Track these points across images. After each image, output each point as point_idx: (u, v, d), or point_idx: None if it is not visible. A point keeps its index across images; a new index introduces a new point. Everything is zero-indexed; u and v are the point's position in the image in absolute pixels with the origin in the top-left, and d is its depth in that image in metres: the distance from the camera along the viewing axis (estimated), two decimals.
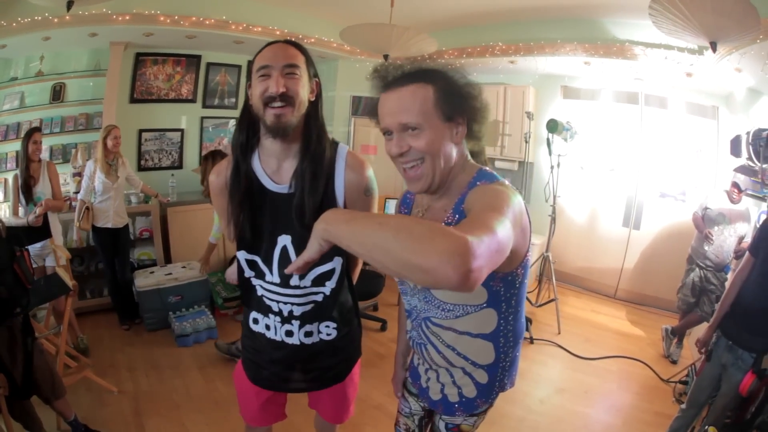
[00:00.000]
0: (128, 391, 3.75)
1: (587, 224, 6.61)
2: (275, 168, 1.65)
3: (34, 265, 3.46)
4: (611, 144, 6.26)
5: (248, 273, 1.75)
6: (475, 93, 1.41)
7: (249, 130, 1.65)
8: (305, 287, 1.70)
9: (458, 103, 1.37)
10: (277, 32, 5.86)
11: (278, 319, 1.76)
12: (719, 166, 5.45)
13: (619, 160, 6.22)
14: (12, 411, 2.63)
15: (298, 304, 1.72)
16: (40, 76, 5.45)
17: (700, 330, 4.04)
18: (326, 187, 1.62)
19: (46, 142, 4.92)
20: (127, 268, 4.92)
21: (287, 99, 1.51)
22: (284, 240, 1.65)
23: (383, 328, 5.06)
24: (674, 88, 5.70)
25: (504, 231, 1.02)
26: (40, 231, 4.10)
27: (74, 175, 5.43)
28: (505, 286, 1.42)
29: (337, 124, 7.40)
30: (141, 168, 6.08)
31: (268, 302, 1.75)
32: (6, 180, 5.02)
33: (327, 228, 1.07)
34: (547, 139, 5.55)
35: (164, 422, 3.39)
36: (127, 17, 4.89)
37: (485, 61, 6.29)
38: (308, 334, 1.78)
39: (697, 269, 4.55)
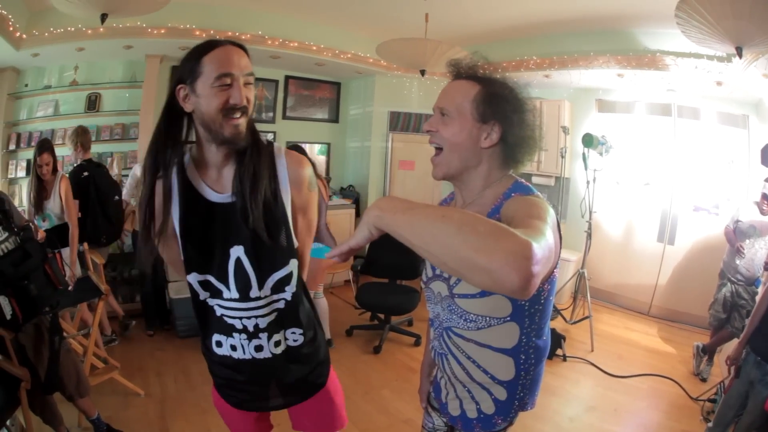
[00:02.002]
0: (155, 395, 3.80)
1: (622, 240, 6.52)
2: (216, 178, 1.56)
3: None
4: (646, 158, 6.19)
5: (203, 295, 1.61)
6: (518, 103, 1.42)
7: (173, 141, 1.54)
8: (266, 296, 1.61)
9: (495, 107, 1.38)
10: (313, 47, 5.98)
11: (244, 336, 1.64)
12: (751, 177, 5.36)
13: (653, 174, 6.14)
14: (32, 405, 2.68)
15: (263, 316, 1.62)
16: (74, 86, 5.63)
17: (731, 347, 3.95)
18: (271, 187, 1.56)
19: None
20: (161, 274, 4.96)
21: (245, 110, 1.48)
22: (237, 251, 1.55)
23: (417, 343, 5.04)
24: (705, 98, 5.65)
25: (551, 238, 1.00)
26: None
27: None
28: (530, 301, 1.38)
29: (375, 139, 7.44)
30: None
31: (230, 321, 1.63)
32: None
33: (381, 215, 1.03)
34: (583, 154, 5.50)
35: (189, 426, 3.42)
36: (162, 31, 5.03)
37: (520, 75, 6.19)
38: (277, 343, 1.67)
39: (729, 284, 4.45)
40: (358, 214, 7.33)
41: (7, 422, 2.57)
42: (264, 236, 1.52)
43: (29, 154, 5.24)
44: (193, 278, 1.58)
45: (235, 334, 1.64)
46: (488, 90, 1.40)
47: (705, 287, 4.99)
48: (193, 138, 1.58)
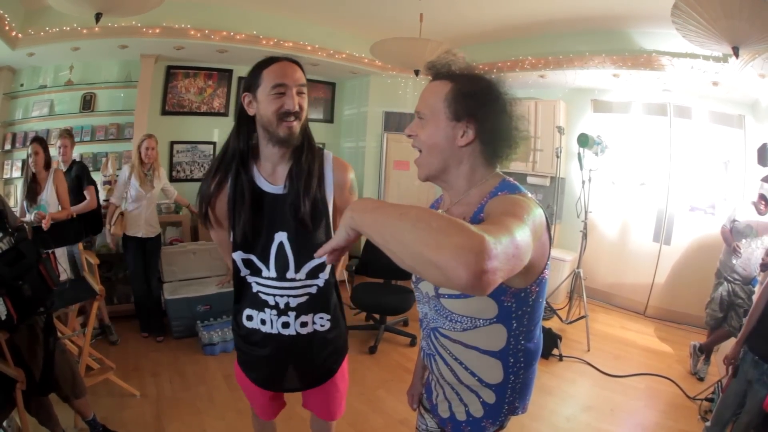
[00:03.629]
0: (151, 396, 3.79)
1: (618, 240, 6.52)
2: (270, 171, 1.81)
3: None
4: (641, 157, 6.20)
5: (244, 272, 1.85)
6: (491, 96, 1.39)
7: (248, 139, 1.81)
8: (300, 280, 1.83)
9: (468, 105, 1.36)
10: (308, 47, 5.97)
11: (274, 312, 1.85)
12: (747, 177, 5.38)
13: (649, 174, 6.15)
14: (28, 406, 2.66)
15: (294, 296, 1.84)
16: (69, 85, 5.62)
17: (728, 346, 3.95)
18: (318, 186, 1.81)
19: (76, 150, 4.98)
20: (154, 278, 4.93)
21: (298, 115, 1.72)
22: (281, 236, 1.79)
23: (412, 344, 5.03)
24: (701, 98, 5.66)
25: (523, 236, 0.97)
26: (66, 235, 4.18)
27: (104, 183, 5.52)
28: (517, 303, 1.37)
29: (370, 139, 7.44)
30: (173, 179, 6.17)
31: (264, 297, 1.85)
32: None
33: (353, 216, 1.06)
34: (578, 154, 5.51)
35: (185, 427, 3.41)
36: (157, 30, 5.01)
37: (515, 76, 6.29)
38: (304, 324, 1.88)
39: (725, 283, 4.45)
40: None
41: (4, 423, 2.56)
42: (309, 226, 1.76)
43: (24, 154, 5.22)
44: (238, 255, 1.81)
45: (266, 309, 1.86)
46: (459, 88, 1.38)
47: (701, 287, 4.99)
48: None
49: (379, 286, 5.19)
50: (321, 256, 1.20)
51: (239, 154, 1.79)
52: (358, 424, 3.57)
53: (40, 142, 4.18)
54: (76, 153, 4.84)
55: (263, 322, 1.88)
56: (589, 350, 4.98)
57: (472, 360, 1.45)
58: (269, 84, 1.68)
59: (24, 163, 4.50)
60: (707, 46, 3.33)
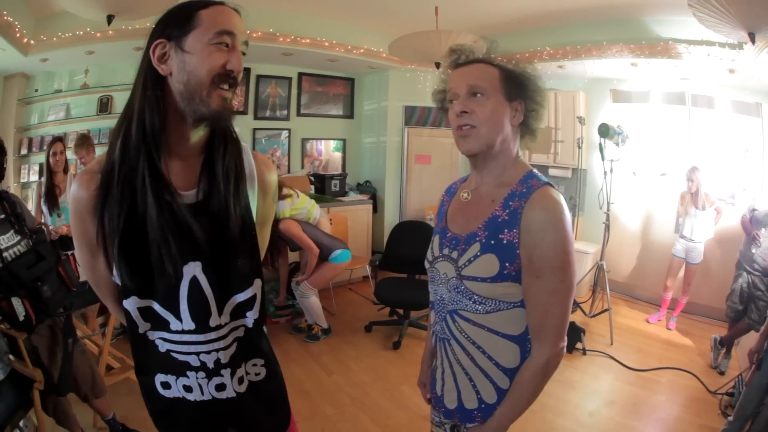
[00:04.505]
0: None
1: (640, 231, 6.44)
2: (179, 171, 1.23)
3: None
4: (661, 147, 6.13)
5: (143, 327, 1.25)
6: (534, 81, 1.49)
7: (162, 116, 1.18)
8: (226, 324, 1.30)
9: (519, 87, 1.45)
10: (326, 43, 5.98)
11: (202, 374, 1.30)
12: (766, 166, 5.31)
13: (670, 164, 6.07)
14: (45, 406, 2.69)
15: (224, 348, 1.30)
16: (85, 89, 5.67)
17: (749, 339, 3.88)
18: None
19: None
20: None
21: (236, 83, 1.21)
22: (192, 269, 1.22)
23: None
24: (718, 86, 5.59)
25: (570, 307, 1.39)
26: None
27: None
28: None
29: (390, 134, 7.40)
30: None
31: (182, 357, 1.28)
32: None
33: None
34: (600, 145, 5.45)
35: None
36: None
37: (534, 67, 6.21)
38: (240, 380, 1.36)
39: (745, 274, 4.39)
40: (375, 210, 7.34)
41: (21, 423, 2.58)
42: (238, 248, 1.26)
43: (41, 158, 5.28)
44: (131, 304, 1.21)
45: (189, 373, 1.30)
46: (508, 70, 1.46)
47: (722, 279, 4.93)
48: None
49: (403, 281, 5.18)
50: None
51: (151, 138, 1.15)
52: (381, 420, 3.57)
53: (63, 142, 4.24)
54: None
55: (188, 389, 1.31)
56: (612, 344, 4.93)
57: (490, 344, 1.45)
58: (212, 29, 1.14)
59: (41, 166, 4.52)
60: (724, 32, 3.31)
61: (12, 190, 5.20)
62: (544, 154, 6.87)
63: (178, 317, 1.23)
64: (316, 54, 6.12)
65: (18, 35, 4.51)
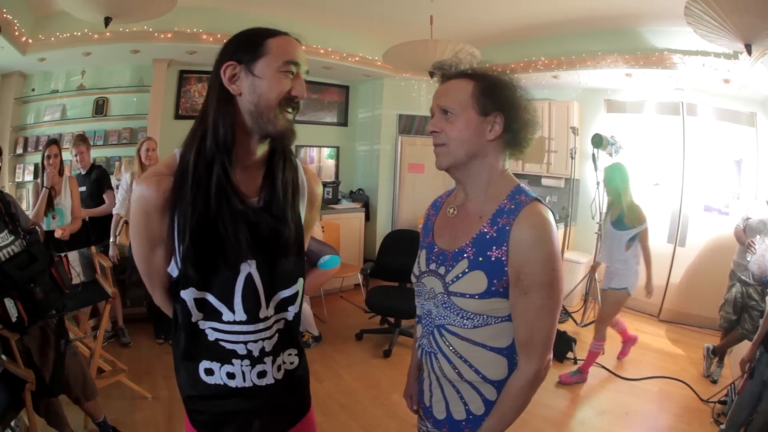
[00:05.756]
0: (163, 398, 3.79)
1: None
2: (242, 178, 1.37)
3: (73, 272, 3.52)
4: (655, 158, 6.15)
5: (196, 316, 1.37)
6: (513, 90, 1.45)
7: (231, 130, 1.32)
8: (272, 316, 1.43)
9: (495, 99, 1.41)
10: (321, 51, 6.01)
11: (247, 362, 1.41)
12: (760, 175, 5.34)
13: (662, 174, 6.10)
14: (37, 407, 2.68)
15: (269, 338, 1.43)
16: (81, 90, 5.67)
17: (742, 349, 3.90)
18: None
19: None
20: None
21: (299, 107, 1.38)
22: (248, 267, 1.36)
23: None
24: (713, 96, 5.63)
25: (557, 321, 1.41)
26: (79, 239, 4.22)
27: (117, 187, 5.53)
28: None
29: (384, 142, 7.41)
30: None
31: (230, 346, 1.40)
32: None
33: None
34: (593, 155, 5.49)
35: None
36: (169, 35, 5.04)
37: (529, 77, 6.30)
38: (278, 368, 1.49)
39: (739, 285, 4.41)
40: (367, 218, 7.34)
41: (12, 423, 2.57)
42: (290, 250, 1.41)
43: (36, 158, 5.28)
44: (189, 295, 1.33)
45: (235, 361, 1.41)
46: (483, 83, 1.42)
47: (716, 289, 4.93)
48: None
49: (395, 290, 5.18)
50: None
51: (224, 149, 1.30)
52: (371, 428, 3.57)
53: (58, 144, 4.21)
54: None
55: (231, 376, 1.42)
56: (603, 353, 4.93)
57: (477, 357, 1.44)
58: (281, 58, 1.29)
59: (37, 166, 4.52)
60: (720, 42, 3.32)
61: (7, 190, 5.20)
62: (537, 164, 6.91)
63: (231, 309, 1.36)
64: (312, 61, 5.97)
65: (17, 33, 4.51)
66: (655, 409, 3.96)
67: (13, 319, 2.38)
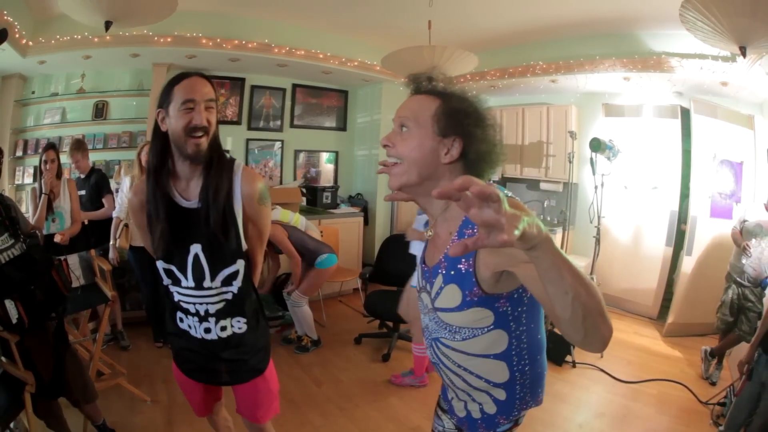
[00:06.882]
0: (162, 402, 3.78)
1: (631, 245, 6.43)
2: (185, 187, 1.91)
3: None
4: (653, 161, 6.15)
5: (166, 281, 2.00)
6: (478, 117, 1.40)
7: (163, 155, 1.86)
8: (216, 287, 1.96)
9: (456, 122, 1.37)
10: (320, 55, 6.02)
11: (196, 319, 2.00)
12: (758, 177, 5.35)
13: (661, 178, 6.10)
14: (36, 409, 2.67)
15: (212, 303, 1.97)
16: (81, 93, 5.68)
17: (740, 350, 3.90)
18: (226, 198, 1.90)
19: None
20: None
21: (206, 130, 1.80)
22: (195, 248, 1.91)
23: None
24: (711, 99, 5.61)
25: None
26: (78, 243, 4.25)
27: (117, 191, 5.53)
28: (512, 305, 1.37)
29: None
30: None
31: (185, 305, 1.99)
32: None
33: (550, 237, 0.89)
34: (591, 159, 5.48)
35: None
36: (169, 39, 5.05)
37: (527, 81, 6.34)
38: (223, 328, 2.02)
39: (734, 286, 4.42)
40: (366, 223, 7.33)
41: (11, 425, 2.58)
42: (221, 238, 1.88)
43: (36, 160, 5.26)
44: (160, 265, 1.97)
45: (189, 317, 2.01)
46: (448, 105, 1.39)
47: (713, 291, 4.91)
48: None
49: (393, 294, 5.11)
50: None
51: (153, 171, 1.86)
52: (370, 431, 3.57)
53: (55, 149, 4.21)
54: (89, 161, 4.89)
55: (189, 327, 2.03)
56: (602, 356, 4.93)
57: (477, 365, 1.45)
58: (179, 100, 1.75)
59: (36, 169, 4.53)
60: (714, 43, 3.34)
61: (7, 192, 5.21)
62: (535, 168, 6.94)
63: (186, 278, 1.94)
64: (311, 66, 6.16)
65: (17, 36, 4.52)
66: (654, 412, 3.96)
67: (14, 321, 2.40)
